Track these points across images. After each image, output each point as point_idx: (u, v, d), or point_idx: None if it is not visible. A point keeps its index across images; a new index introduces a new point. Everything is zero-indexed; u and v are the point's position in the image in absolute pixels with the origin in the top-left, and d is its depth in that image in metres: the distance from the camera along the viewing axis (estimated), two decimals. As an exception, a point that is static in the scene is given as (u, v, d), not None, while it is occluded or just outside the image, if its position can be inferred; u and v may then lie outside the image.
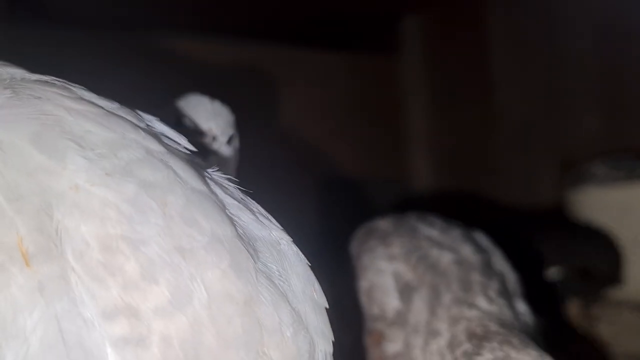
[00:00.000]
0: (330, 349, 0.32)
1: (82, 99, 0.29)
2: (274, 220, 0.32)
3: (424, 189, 1.26)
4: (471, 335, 0.45)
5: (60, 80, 0.31)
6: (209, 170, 0.32)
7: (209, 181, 0.30)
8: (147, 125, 0.31)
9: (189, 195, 0.27)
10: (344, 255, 0.58)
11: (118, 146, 0.27)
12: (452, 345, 0.46)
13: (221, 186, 0.31)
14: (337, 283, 0.54)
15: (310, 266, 0.33)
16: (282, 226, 0.33)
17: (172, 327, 0.25)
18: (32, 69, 0.34)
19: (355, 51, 1.25)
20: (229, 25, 1.09)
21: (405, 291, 0.50)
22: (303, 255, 0.33)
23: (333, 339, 0.32)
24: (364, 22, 1.20)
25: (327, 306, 0.32)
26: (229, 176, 0.32)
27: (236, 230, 0.28)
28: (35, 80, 0.30)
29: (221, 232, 0.27)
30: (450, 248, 0.53)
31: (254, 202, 0.32)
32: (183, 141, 0.33)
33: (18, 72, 0.31)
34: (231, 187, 0.32)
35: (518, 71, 1.17)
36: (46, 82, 0.30)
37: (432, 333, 0.47)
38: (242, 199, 0.31)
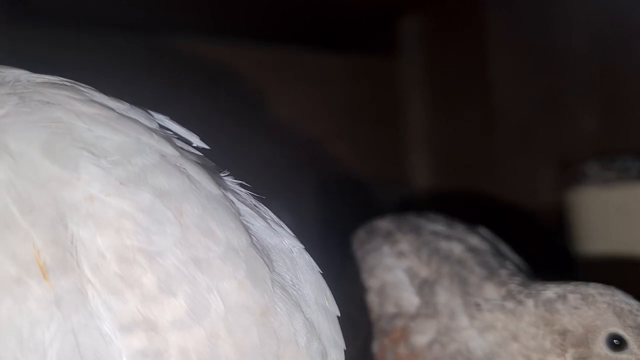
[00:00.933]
0: (342, 357, 0.32)
1: (92, 101, 0.28)
2: (286, 228, 0.32)
3: (423, 190, 1.26)
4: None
5: (69, 81, 0.30)
6: (222, 174, 0.31)
7: (222, 187, 0.30)
8: (159, 125, 0.30)
9: (205, 203, 0.27)
10: (345, 256, 0.58)
11: (131, 152, 0.26)
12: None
13: (234, 192, 0.31)
14: (339, 286, 0.53)
15: (322, 274, 0.32)
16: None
17: (190, 340, 0.24)
18: (31, 70, 0.33)
19: (354, 52, 1.25)
20: (226, 26, 1.09)
21: (425, 286, 0.50)
22: (315, 263, 0.32)
23: (345, 348, 0.32)
24: (362, 22, 1.20)
25: (339, 314, 0.32)
26: (241, 181, 0.32)
27: (251, 239, 0.28)
28: (43, 83, 0.29)
29: (236, 242, 0.27)
30: (458, 239, 0.53)
31: (266, 208, 0.32)
32: (196, 140, 0.32)
33: (22, 74, 0.30)
34: (243, 192, 0.31)
35: (517, 72, 1.17)
36: (54, 83, 0.29)
37: (473, 305, 0.48)
38: (254, 205, 0.31)
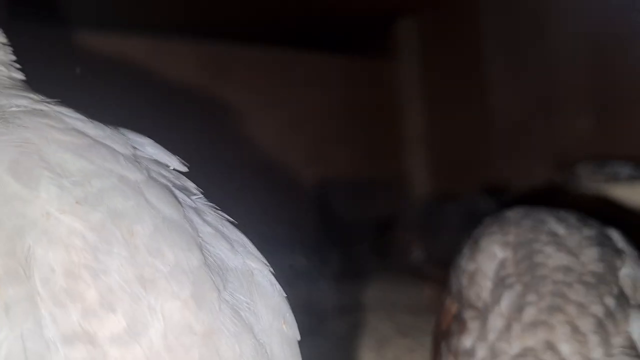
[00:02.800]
0: None
1: (72, 129, 0.30)
2: (252, 249, 0.32)
3: (420, 191, 1.27)
4: None
5: (59, 109, 0.31)
6: (193, 197, 0.32)
7: (186, 208, 0.30)
8: (135, 152, 0.31)
9: (158, 224, 0.28)
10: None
11: (92, 174, 0.28)
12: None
13: (201, 213, 0.31)
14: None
15: (285, 297, 0.33)
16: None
17: (128, 356, 0.25)
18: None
19: (351, 53, 1.26)
20: (225, 27, 1.10)
21: (500, 284, 0.48)
22: (279, 286, 0.33)
23: (304, 373, 0.32)
24: (360, 24, 1.21)
25: (299, 338, 0.32)
26: (212, 204, 0.32)
27: (204, 259, 0.29)
28: (31, 110, 0.31)
29: (186, 262, 0.28)
30: (569, 251, 0.50)
31: (234, 229, 0.33)
32: (175, 163, 0.33)
33: (23, 102, 0.32)
34: (212, 214, 0.32)
35: (512, 73, 1.18)
36: (40, 111, 0.31)
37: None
38: (220, 227, 0.32)
